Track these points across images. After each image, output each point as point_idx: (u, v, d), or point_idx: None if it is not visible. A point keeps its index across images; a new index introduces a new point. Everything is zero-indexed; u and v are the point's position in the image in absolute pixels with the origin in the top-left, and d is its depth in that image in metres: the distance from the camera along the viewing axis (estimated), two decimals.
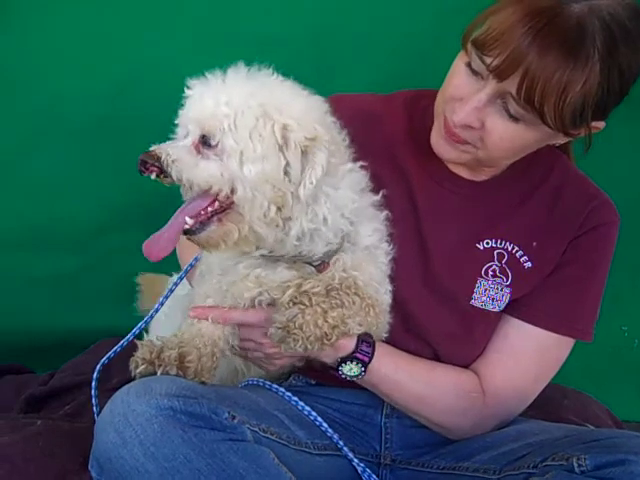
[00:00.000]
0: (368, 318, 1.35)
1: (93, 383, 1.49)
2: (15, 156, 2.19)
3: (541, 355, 1.51)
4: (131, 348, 1.62)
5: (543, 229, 1.51)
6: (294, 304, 1.30)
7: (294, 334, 1.27)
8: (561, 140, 1.42)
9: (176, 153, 1.26)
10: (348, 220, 1.34)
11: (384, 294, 1.41)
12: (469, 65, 1.35)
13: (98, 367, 1.49)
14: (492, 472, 1.41)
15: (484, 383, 1.51)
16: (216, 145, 1.26)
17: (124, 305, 1.85)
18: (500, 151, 1.39)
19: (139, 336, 1.55)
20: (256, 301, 1.37)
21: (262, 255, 1.35)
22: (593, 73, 1.26)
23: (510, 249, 1.51)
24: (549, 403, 1.72)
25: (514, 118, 1.33)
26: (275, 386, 1.49)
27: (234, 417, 1.25)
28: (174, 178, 1.25)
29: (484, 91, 1.32)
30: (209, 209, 1.28)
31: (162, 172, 1.25)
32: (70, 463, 1.62)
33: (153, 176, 1.26)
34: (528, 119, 1.32)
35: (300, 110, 1.27)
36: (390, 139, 1.55)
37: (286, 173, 1.26)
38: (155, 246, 1.28)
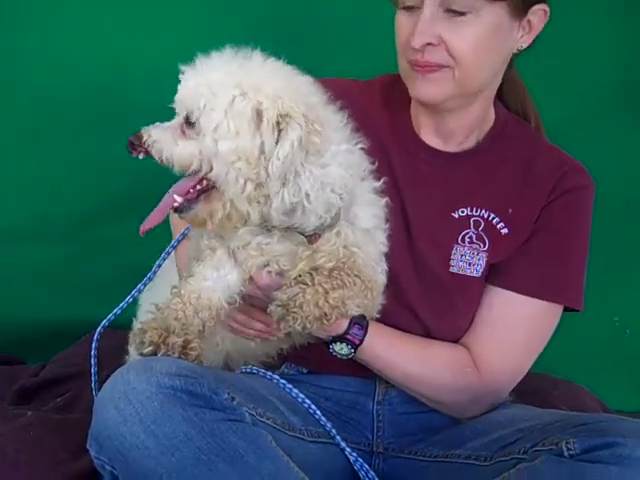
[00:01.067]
0: (365, 300, 1.37)
1: (92, 360, 1.55)
2: (7, 148, 2.21)
3: (528, 324, 1.54)
4: (119, 339, 1.64)
5: (517, 196, 1.56)
6: (296, 282, 1.32)
7: (293, 312, 1.29)
8: (521, 40, 1.47)
9: (157, 134, 1.32)
10: (339, 195, 1.35)
11: (380, 273, 1.43)
12: (403, 8, 1.43)
13: (95, 336, 1.54)
14: (483, 459, 1.43)
15: (475, 357, 1.53)
16: (195, 124, 1.30)
17: (116, 296, 1.84)
18: (470, 57, 1.41)
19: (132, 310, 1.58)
20: (264, 270, 1.39)
21: (258, 224, 1.36)
22: None
23: (486, 216, 1.55)
24: (540, 393, 1.75)
25: (461, 13, 1.38)
26: (269, 374, 1.51)
27: (233, 398, 1.26)
28: (156, 158, 1.32)
29: (424, 9, 1.39)
30: (197, 187, 1.32)
31: (147, 152, 1.32)
32: (61, 452, 1.63)
33: (141, 156, 1.33)
34: (470, 6, 1.38)
35: (277, 88, 1.30)
36: (368, 115, 1.58)
37: (262, 151, 1.29)
38: (146, 221, 1.34)
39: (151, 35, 2.17)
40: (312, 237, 1.37)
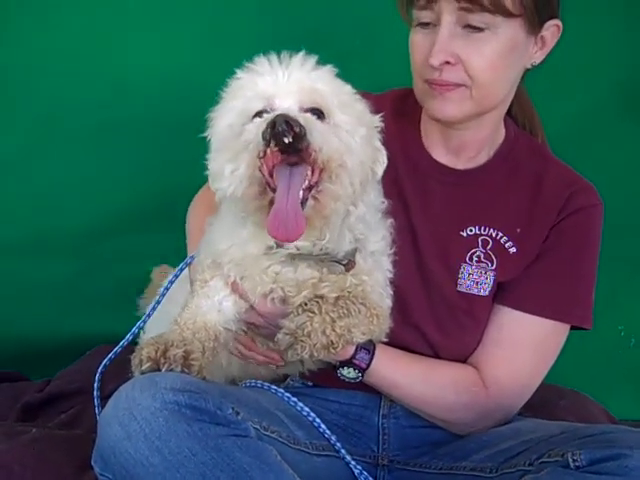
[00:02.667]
0: (371, 326, 1.38)
1: (95, 384, 1.52)
2: (12, 163, 2.21)
3: (538, 343, 1.54)
4: (124, 355, 1.64)
5: (526, 215, 1.56)
6: (303, 311, 1.32)
7: (302, 341, 1.29)
8: (535, 57, 1.48)
9: (308, 118, 1.21)
10: (374, 217, 1.39)
11: (386, 298, 1.43)
12: (418, 26, 1.44)
13: (100, 369, 1.52)
14: (489, 470, 1.43)
15: (484, 376, 1.53)
16: (325, 118, 1.26)
17: (121, 311, 1.85)
18: (487, 74, 1.42)
19: (134, 339, 1.56)
20: (268, 298, 1.38)
21: (289, 254, 1.35)
22: None
23: (494, 235, 1.55)
24: (546, 404, 1.74)
25: (479, 29, 1.39)
26: (274, 387, 1.51)
27: (238, 413, 1.26)
28: (314, 146, 1.19)
29: (442, 28, 1.40)
30: (305, 184, 1.24)
31: (296, 137, 1.16)
32: (66, 468, 1.63)
33: (287, 139, 1.16)
34: (488, 22, 1.38)
35: (353, 94, 1.34)
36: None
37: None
38: (288, 227, 1.21)
39: (153, 49, 2.18)
40: (349, 264, 1.37)
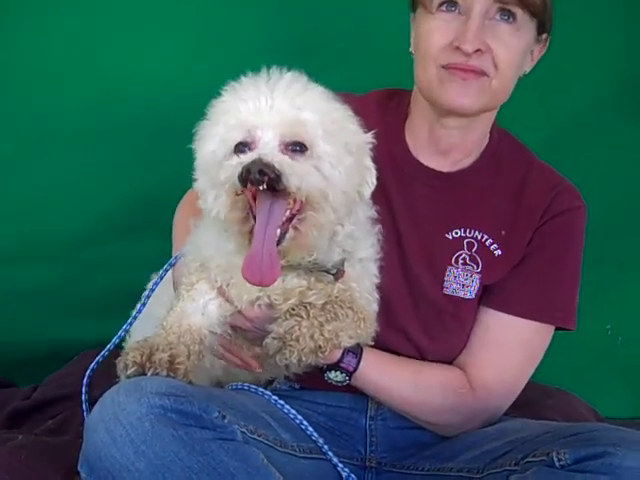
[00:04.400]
0: (358, 330, 1.38)
1: (83, 389, 1.51)
2: (2, 167, 2.20)
3: (524, 344, 1.55)
4: (110, 359, 1.63)
5: (510, 218, 1.57)
6: (291, 315, 1.32)
7: (290, 346, 1.29)
8: (528, 65, 1.53)
9: (285, 161, 1.21)
10: (363, 227, 1.39)
11: (373, 302, 1.44)
12: (440, 10, 1.45)
13: (87, 373, 1.51)
14: (475, 471, 1.43)
15: (471, 378, 1.54)
16: (307, 151, 1.25)
17: (108, 317, 1.83)
18: (508, 70, 1.46)
19: (120, 342, 1.56)
20: (255, 305, 1.39)
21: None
22: None
23: (479, 237, 1.57)
24: (533, 403, 1.75)
25: (513, 20, 1.44)
26: (261, 389, 1.51)
27: (224, 417, 1.26)
28: (290, 188, 1.20)
29: (474, 17, 1.42)
30: (287, 215, 1.25)
31: (271, 182, 1.18)
32: (52, 474, 1.63)
33: (262, 187, 1.18)
34: (521, 19, 1.44)
35: (344, 117, 1.33)
36: None
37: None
38: (263, 272, 1.23)
39: (150, 53, 2.18)
40: (338, 274, 1.37)
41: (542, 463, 1.29)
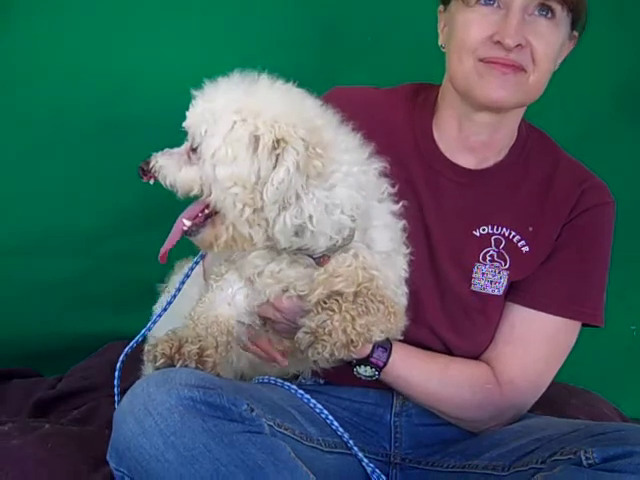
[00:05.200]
0: (389, 324, 1.37)
1: (115, 381, 1.53)
2: (18, 163, 2.23)
3: (550, 340, 1.55)
4: (135, 354, 1.65)
5: (538, 214, 1.56)
6: (322, 309, 1.32)
7: (322, 340, 1.30)
8: (558, 61, 1.52)
9: (164, 160, 1.36)
10: (349, 217, 1.35)
11: (401, 296, 1.43)
12: (478, 3, 1.44)
13: (119, 365, 1.52)
14: (501, 469, 1.43)
15: (497, 374, 1.54)
16: (197, 150, 1.33)
17: (130, 308, 1.85)
18: (546, 64, 1.47)
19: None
20: (285, 295, 1.40)
21: (267, 246, 1.37)
22: None
23: (507, 234, 1.56)
24: (557, 402, 1.75)
25: (551, 16, 1.44)
26: (287, 384, 1.52)
27: (252, 410, 1.27)
28: (162, 183, 1.36)
29: (515, 11, 1.42)
30: (205, 211, 1.35)
31: (156, 178, 1.36)
32: (80, 464, 1.63)
33: (151, 181, 1.37)
34: (559, 15, 1.44)
35: (277, 113, 1.29)
36: (391, 129, 1.59)
37: (259, 176, 1.29)
38: (162, 250, 1.38)
39: (157, 49, 2.19)
40: (321, 259, 1.37)
41: (569, 461, 1.28)
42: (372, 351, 1.44)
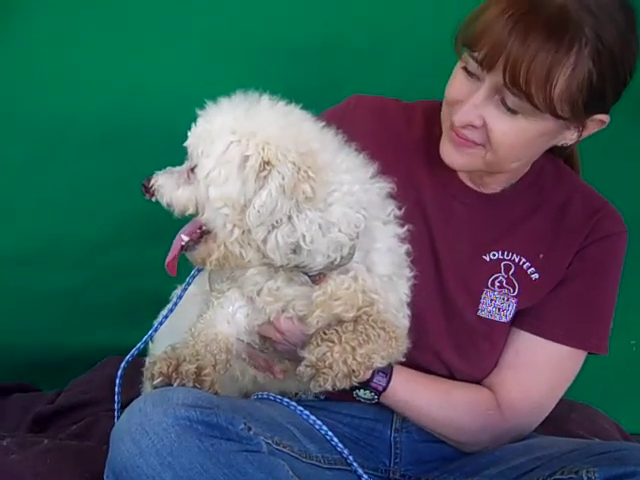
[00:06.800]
0: (390, 350, 1.37)
1: (116, 397, 1.53)
2: (19, 174, 2.21)
3: (554, 368, 1.54)
4: (134, 365, 1.64)
5: (549, 241, 1.54)
6: (322, 340, 1.32)
7: (323, 373, 1.29)
8: (568, 139, 1.44)
9: (163, 179, 1.39)
10: (347, 235, 1.33)
11: (402, 318, 1.42)
12: (465, 69, 1.40)
13: (118, 380, 1.52)
14: None
15: (500, 399, 1.53)
16: (194, 169, 1.34)
17: (130, 322, 1.84)
18: (506, 148, 1.40)
19: (144, 349, 1.56)
20: (283, 316, 1.39)
21: (264, 263, 1.36)
22: (582, 58, 1.30)
23: (517, 260, 1.54)
24: (557, 417, 1.73)
25: (512, 111, 1.35)
26: (286, 400, 1.51)
27: (250, 428, 1.26)
28: (161, 202, 1.39)
29: (481, 89, 1.37)
30: (203, 228, 1.36)
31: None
32: (78, 479, 1.63)
33: (153, 199, 1.40)
34: (525, 110, 1.34)
35: (270, 135, 1.28)
36: (404, 145, 1.58)
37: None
38: (167, 262, 1.40)
39: (165, 60, 2.17)
40: (317, 277, 1.36)
41: None
42: (372, 376, 1.43)
